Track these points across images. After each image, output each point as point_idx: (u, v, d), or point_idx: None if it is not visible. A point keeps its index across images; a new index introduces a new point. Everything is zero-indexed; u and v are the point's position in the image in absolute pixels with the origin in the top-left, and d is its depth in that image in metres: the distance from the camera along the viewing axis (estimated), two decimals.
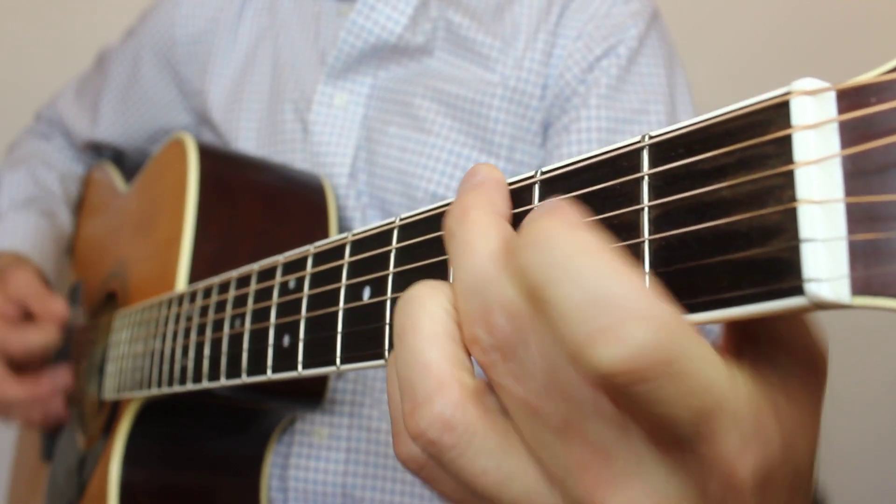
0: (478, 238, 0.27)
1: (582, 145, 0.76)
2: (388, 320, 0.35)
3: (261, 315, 0.46)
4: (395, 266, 0.36)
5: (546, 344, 0.25)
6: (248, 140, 0.88)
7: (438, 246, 0.33)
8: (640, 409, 0.23)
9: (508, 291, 0.25)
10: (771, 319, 0.27)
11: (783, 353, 0.27)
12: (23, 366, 0.84)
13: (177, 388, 0.55)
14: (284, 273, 0.44)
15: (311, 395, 0.71)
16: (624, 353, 0.21)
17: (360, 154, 0.81)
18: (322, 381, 0.71)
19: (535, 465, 0.27)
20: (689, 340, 0.22)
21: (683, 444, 0.24)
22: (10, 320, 0.83)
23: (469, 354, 0.28)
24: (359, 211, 0.80)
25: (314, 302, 0.41)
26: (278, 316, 0.44)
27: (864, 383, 1.41)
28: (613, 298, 0.21)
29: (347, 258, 0.39)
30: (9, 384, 0.82)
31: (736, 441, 0.24)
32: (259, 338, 0.45)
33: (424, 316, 0.28)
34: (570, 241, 0.23)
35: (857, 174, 0.21)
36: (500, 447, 0.27)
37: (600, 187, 0.28)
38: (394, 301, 0.35)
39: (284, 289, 0.44)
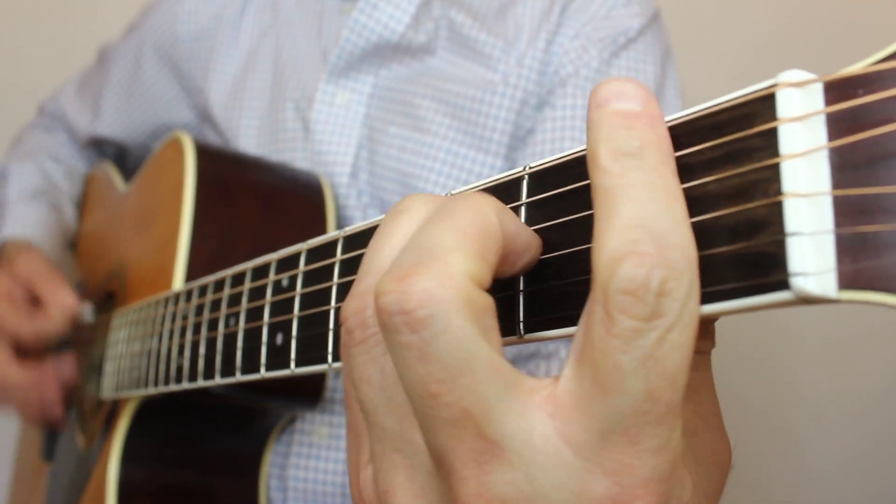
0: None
1: (556, 133, 0.76)
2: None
3: (255, 314, 0.46)
4: None
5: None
6: (248, 138, 0.88)
7: None
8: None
9: None
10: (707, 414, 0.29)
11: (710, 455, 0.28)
12: (26, 352, 0.83)
13: (173, 387, 0.55)
14: (278, 270, 0.44)
15: (310, 393, 0.71)
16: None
17: (362, 153, 0.81)
18: (320, 379, 0.70)
19: (415, 420, 0.26)
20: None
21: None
22: (17, 303, 0.82)
23: None
24: (360, 210, 0.80)
25: (307, 300, 0.40)
26: (272, 314, 0.44)
27: (861, 386, 1.40)
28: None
29: (339, 255, 0.39)
30: (11, 367, 0.80)
31: (667, 458, 0.23)
32: (253, 336, 0.45)
33: (407, 226, 0.28)
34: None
35: (845, 166, 0.21)
36: (395, 373, 0.26)
37: (588, 182, 0.27)
38: None
39: (278, 287, 0.44)
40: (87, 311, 0.86)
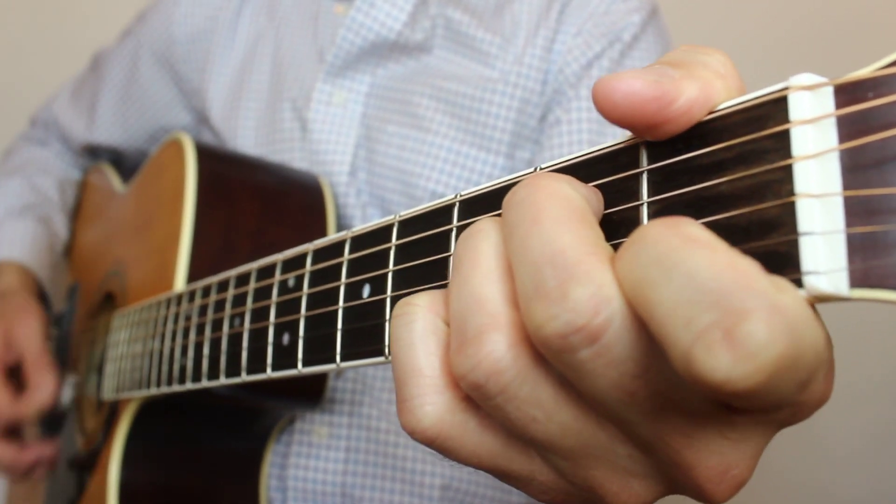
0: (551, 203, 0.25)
1: (573, 136, 0.77)
2: (387, 317, 0.35)
3: (260, 314, 0.46)
4: (394, 264, 0.36)
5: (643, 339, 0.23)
6: (246, 139, 0.88)
7: (438, 243, 0.33)
8: (767, 406, 0.22)
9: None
10: None
11: None
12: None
13: (176, 388, 0.55)
14: (283, 271, 0.44)
15: (311, 394, 0.71)
16: (744, 355, 0.19)
17: (360, 152, 0.82)
18: (321, 380, 0.71)
19: (596, 418, 0.25)
20: (811, 329, 0.21)
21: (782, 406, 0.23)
22: (5, 385, 0.83)
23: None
24: (359, 209, 0.80)
25: (314, 300, 0.41)
26: (278, 314, 0.44)
27: (862, 380, 1.41)
28: (723, 293, 0.20)
29: (347, 256, 0.39)
30: None
31: (823, 372, 0.23)
32: (258, 336, 0.45)
33: (488, 249, 0.26)
34: (673, 239, 0.21)
35: (855, 168, 0.22)
36: (554, 400, 0.25)
37: (599, 183, 0.28)
38: (393, 299, 0.35)
39: (284, 287, 0.44)
40: (67, 396, 0.87)
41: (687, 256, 0.21)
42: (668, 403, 0.23)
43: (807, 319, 0.20)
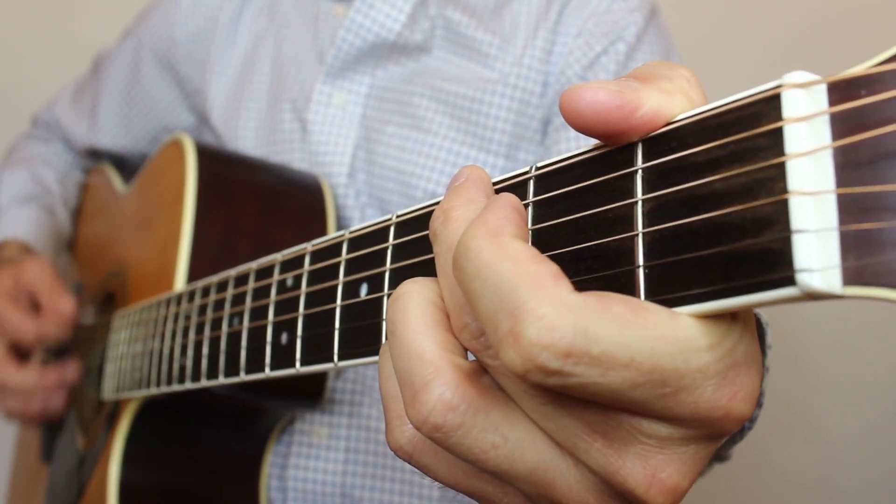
0: (458, 235, 0.28)
1: (580, 140, 0.76)
2: (385, 316, 0.35)
3: (259, 313, 0.46)
4: (391, 263, 0.36)
5: None
6: (246, 139, 0.88)
7: None
8: (590, 396, 0.24)
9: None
10: None
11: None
12: (25, 354, 0.84)
13: (176, 388, 0.55)
14: (282, 271, 0.44)
15: (310, 394, 0.71)
16: (523, 354, 0.23)
17: (359, 153, 0.82)
18: (321, 380, 0.71)
19: (543, 434, 0.27)
20: (599, 324, 0.23)
21: (657, 404, 0.24)
22: (20, 304, 0.82)
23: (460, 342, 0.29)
24: (358, 210, 0.80)
25: (312, 299, 0.41)
26: (276, 313, 0.44)
27: (862, 380, 1.41)
28: (514, 303, 0.23)
29: (345, 255, 0.39)
30: (12, 370, 0.81)
31: (712, 385, 0.24)
32: (257, 335, 0.45)
33: (414, 309, 0.29)
34: (484, 252, 0.25)
35: (849, 165, 0.22)
36: (505, 419, 0.27)
37: (594, 182, 0.28)
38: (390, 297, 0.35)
39: (282, 286, 0.44)
40: (88, 315, 0.86)
41: (496, 270, 0.24)
42: (567, 398, 0.25)
43: (601, 319, 0.23)
